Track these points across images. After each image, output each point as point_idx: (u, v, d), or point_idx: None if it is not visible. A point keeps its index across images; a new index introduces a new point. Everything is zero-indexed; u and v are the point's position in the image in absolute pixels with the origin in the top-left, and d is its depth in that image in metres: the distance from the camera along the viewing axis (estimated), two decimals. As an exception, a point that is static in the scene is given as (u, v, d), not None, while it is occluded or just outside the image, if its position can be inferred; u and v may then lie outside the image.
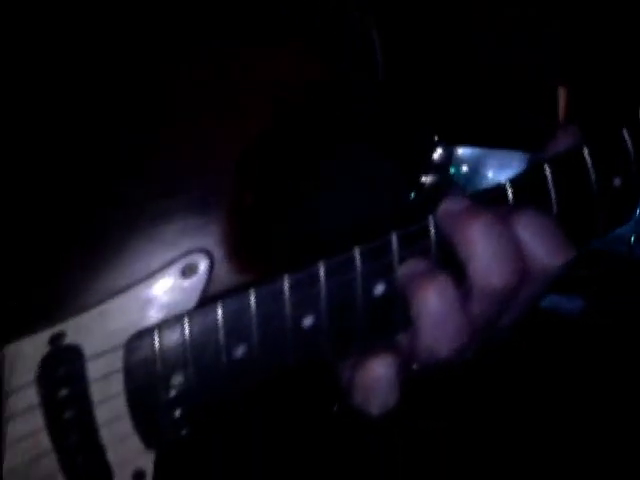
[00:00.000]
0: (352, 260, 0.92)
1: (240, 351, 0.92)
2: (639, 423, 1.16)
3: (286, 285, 0.92)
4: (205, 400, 0.93)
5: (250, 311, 0.91)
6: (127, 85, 0.94)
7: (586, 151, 0.90)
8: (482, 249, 0.86)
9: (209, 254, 0.92)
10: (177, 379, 0.91)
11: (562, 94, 0.96)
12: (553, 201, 0.91)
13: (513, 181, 0.92)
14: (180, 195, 0.93)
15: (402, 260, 0.92)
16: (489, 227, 0.87)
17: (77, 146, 0.94)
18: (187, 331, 0.91)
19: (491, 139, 0.98)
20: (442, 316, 0.87)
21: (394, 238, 0.91)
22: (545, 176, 0.91)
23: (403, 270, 0.90)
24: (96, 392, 0.92)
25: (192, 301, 0.92)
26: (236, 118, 0.94)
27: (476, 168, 1.00)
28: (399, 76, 0.95)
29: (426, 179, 1.01)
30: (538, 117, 1.00)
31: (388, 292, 0.92)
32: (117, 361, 0.91)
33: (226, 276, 0.93)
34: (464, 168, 1.00)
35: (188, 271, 0.92)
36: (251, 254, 0.94)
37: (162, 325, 0.91)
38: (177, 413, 0.93)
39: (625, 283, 1.02)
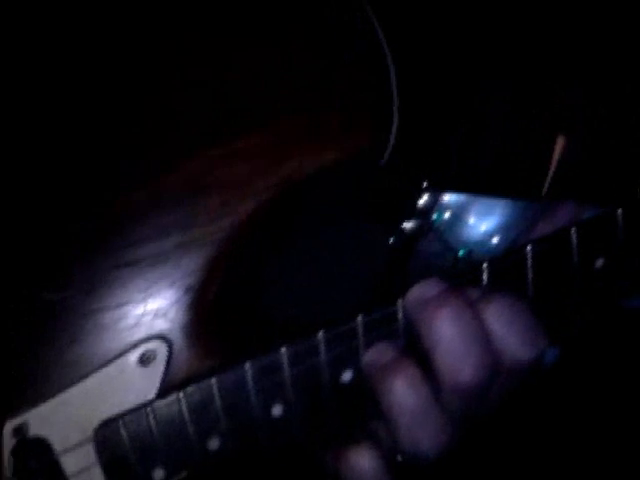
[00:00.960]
0: (316, 345, 0.88)
1: (214, 442, 0.89)
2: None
3: (249, 373, 0.88)
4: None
5: (215, 401, 0.88)
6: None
7: (574, 230, 0.84)
8: (448, 342, 0.81)
9: (168, 341, 0.89)
10: (158, 473, 0.89)
11: (559, 143, 0.90)
12: (529, 283, 0.84)
13: (491, 261, 0.86)
14: (139, 280, 0.89)
15: (368, 345, 0.86)
16: (456, 318, 0.82)
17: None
18: (152, 424, 0.88)
19: (480, 186, 0.93)
20: (413, 412, 0.83)
21: (360, 321, 0.86)
22: (525, 256, 0.84)
23: (368, 358, 0.85)
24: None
25: (153, 389, 0.89)
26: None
27: (459, 214, 0.95)
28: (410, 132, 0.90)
29: (407, 224, 0.94)
30: (530, 164, 0.95)
31: (356, 379, 0.88)
32: (90, 454, 0.88)
33: (187, 362, 0.89)
34: (446, 214, 0.95)
35: (146, 358, 0.89)
36: (213, 340, 0.90)
37: (126, 417, 0.88)
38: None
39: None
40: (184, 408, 0.88)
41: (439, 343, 0.81)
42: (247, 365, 0.88)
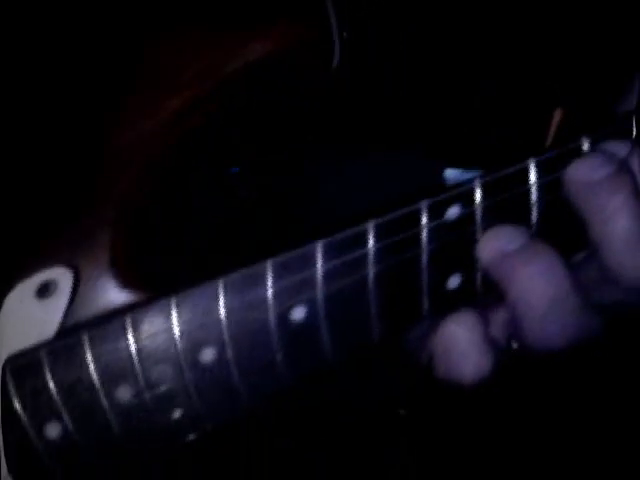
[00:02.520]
0: (262, 274, 0.68)
1: (124, 394, 0.69)
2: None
3: (174, 310, 0.67)
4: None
5: (127, 344, 0.69)
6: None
7: None
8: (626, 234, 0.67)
9: (75, 268, 0.71)
10: (51, 430, 0.70)
11: (557, 116, 0.81)
12: None
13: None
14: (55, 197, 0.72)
15: (328, 274, 0.68)
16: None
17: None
18: (47, 371, 0.68)
19: (477, 160, 0.80)
20: (550, 301, 0.69)
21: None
22: None
23: (492, 243, 0.69)
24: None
25: (52, 327, 0.70)
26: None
27: None
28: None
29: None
30: (523, 137, 0.84)
31: (309, 318, 0.68)
32: None
33: (99, 296, 0.71)
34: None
35: (45, 289, 0.71)
36: (132, 269, 0.72)
37: (14, 361, 0.69)
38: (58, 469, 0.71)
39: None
40: (87, 351, 0.68)
41: (613, 234, 0.67)
42: (172, 300, 0.68)
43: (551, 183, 0.68)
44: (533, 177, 0.68)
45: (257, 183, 0.79)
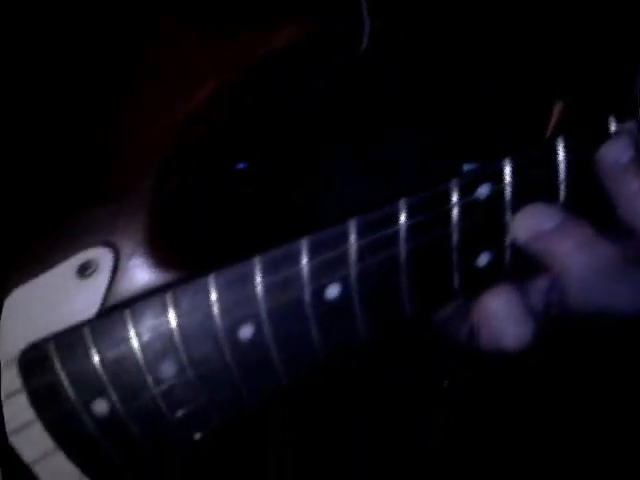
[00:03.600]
0: (297, 252, 0.70)
1: (169, 369, 0.71)
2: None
3: (213, 287, 0.70)
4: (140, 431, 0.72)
5: (169, 322, 0.71)
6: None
7: None
8: None
9: (114, 248, 0.72)
10: (99, 406, 0.72)
11: (557, 109, 0.81)
12: None
13: None
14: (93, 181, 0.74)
15: (362, 251, 0.69)
16: None
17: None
18: (91, 347, 0.70)
19: (471, 152, 0.81)
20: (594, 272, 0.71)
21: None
22: None
23: (530, 223, 0.71)
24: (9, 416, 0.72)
25: (95, 306, 0.72)
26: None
27: None
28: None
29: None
30: (523, 131, 0.85)
31: (344, 295, 0.70)
32: (15, 380, 0.72)
33: (138, 275, 0.72)
34: None
35: (87, 269, 0.72)
36: (169, 249, 0.73)
37: (58, 339, 0.71)
38: (108, 443, 0.73)
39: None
40: (130, 328, 0.70)
41: None
42: (211, 278, 0.70)
43: (579, 161, 0.69)
44: (562, 156, 0.69)
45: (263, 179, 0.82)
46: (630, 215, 0.69)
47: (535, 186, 0.70)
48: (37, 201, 0.73)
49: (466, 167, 0.74)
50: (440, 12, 0.84)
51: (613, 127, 0.70)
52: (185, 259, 0.73)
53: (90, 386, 0.71)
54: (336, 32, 0.76)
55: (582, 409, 0.92)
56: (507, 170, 0.69)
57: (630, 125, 0.70)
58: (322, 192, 0.84)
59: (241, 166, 0.80)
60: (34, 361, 0.71)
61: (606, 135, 0.70)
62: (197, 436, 0.74)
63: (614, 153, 0.69)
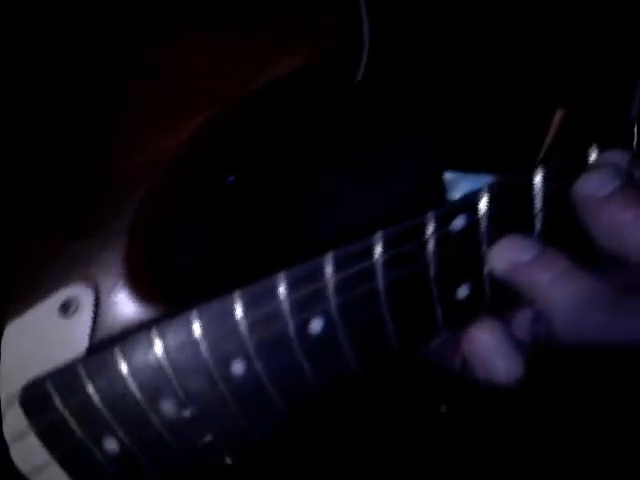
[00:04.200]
0: (274, 285, 0.70)
1: (168, 407, 0.71)
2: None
3: (196, 322, 0.70)
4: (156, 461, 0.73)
5: (159, 358, 0.71)
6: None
7: None
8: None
9: (94, 284, 0.72)
10: (110, 444, 0.72)
11: (558, 116, 0.79)
12: None
13: None
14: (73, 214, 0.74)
15: (340, 285, 0.69)
16: None
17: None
18: (87, 384, 0.72)
19: (473, 163, 0.80)
20: (576, 305, 0.68)
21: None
22: None
23: (505, 255, 0.69)
24: (17, 457, 0.73)
25: (82, 343, 0.72)
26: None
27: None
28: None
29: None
30: (524, 138, 0.82)
31: (329, 328, 0.69)
32: (21, 419, 0.73)
33: (123, 311, 0.72)
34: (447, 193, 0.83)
35: (68, 307, 0.72)
36: (152, 284, 0.73)
37: (53, 377, 0.72)
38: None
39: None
40: (122, 365, 0.71)
41: (628, 248, 0.66)
42: (194, 313, 0.70)
43: (556, 192, 0.67)
44: (538, 186, 0.67)
45: (255, 192, 0.81)
46: (616, 246, 0.67)
47: (512, 217, 0.68)
48: (18, 234, 0.74)
49: (447, 175, 0.74)
50: (441, 11, 0.83)
51: (594, 156, 0.68)
52: (169, 293, 0.73)
53: (96, 422, 0.71)
54: (336, 60, 0.76)
55: (575, 439, 0.90)
56: (483, 202, 0.67)
57: (614, 155, 0.68)
58: (322, 201, 0.84)
59: (230, 180, 0.80)
60: (36, 399, 0.72)
61: (585, 165, 0.67)
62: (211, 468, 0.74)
63: (591, 187, 0.67)
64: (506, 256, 0.68)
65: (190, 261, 0.77)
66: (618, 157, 0.67)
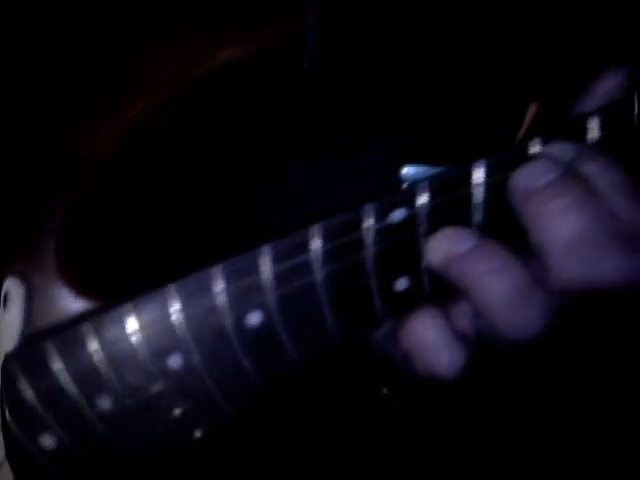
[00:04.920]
0: (210, 279, 0.68)
1: (105, 402, 0.70)
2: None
3: (132, 315, 0.69)
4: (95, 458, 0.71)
5: (91, 352, 0.69)
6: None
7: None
8: (575, 243, 0.66)
9: (25, 279, 0.71)
10: (47, 441, 0.70)
11: (532, 110, 0.77)
12: None
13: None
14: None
15: (278, 277, 0.67)
16: (581, 211, 0.66)
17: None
18: (22, 382, 0.69)
19: (441, 156, 0.76)
20: (511, 297, 0.67)
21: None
22: None
23: (442, 248, 0.68)
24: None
25: (12, 338, 0.71)
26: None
27: None
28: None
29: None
30: (497, 132, 0.80)
31: (266, 322, 0.68)
32: None
33: (55, 305, 0.71)
34: (403, 186, 0.78)
35: (6, 300, 0.71)
36: (81, 278, 0.71)
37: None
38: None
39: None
40: (54, 360, 0.69)
41: (553, 242, 0.66)
42: (129, 307, 0.69)
43: (496, 185, 0.67)
44: (479, 179, 0.67)
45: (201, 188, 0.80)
46: (541, 243, 0.66)
47: (451, 210, 0.67)
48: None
49: (406, 170, 0.73)
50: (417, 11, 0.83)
51: (537, 149, 0.67)
52: (102, 287, 0.71)
53: (32, 420, 0.69)
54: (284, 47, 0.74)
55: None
56: (421, 194, 0.67)
57: (557, 147, 0.67)
58: (279, 194, 0.82)
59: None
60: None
61: (525, 158, 0.67)
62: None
63: (527, 178, 0.66)
64: (442, 248, 0.67)
65: (146, 253, 0.75)
66: (561, 149, 0.67)
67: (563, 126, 0.68)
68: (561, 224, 0.65)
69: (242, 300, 0.68)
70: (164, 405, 0.70)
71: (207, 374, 0.70)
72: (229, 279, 0.68)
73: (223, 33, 0.73)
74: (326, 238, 0.67)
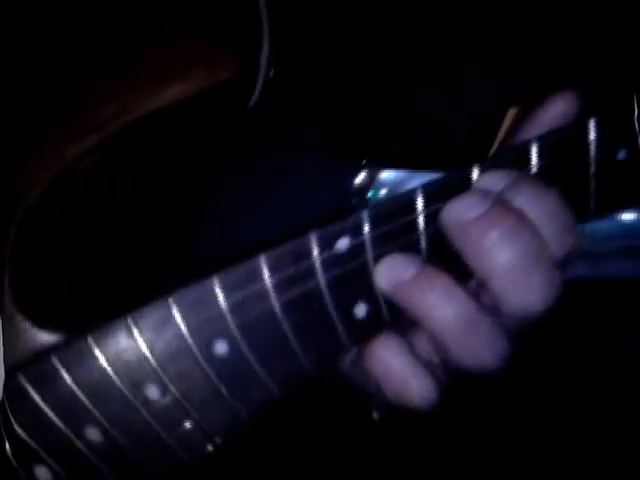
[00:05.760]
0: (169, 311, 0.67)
1: (93, 434, 0.69)
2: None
3: (96, 349, 0.68)
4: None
5: (67, 385, 0.68)
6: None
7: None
8: (510, 270, 0.65)
9: None
10: (40, 471, 0.71)
11: (511, 114, 0.77)
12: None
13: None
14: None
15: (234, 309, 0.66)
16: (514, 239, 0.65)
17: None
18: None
19: (421, 161, 0.78)
20: (461, 325, 0.66)
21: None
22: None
23: (387, 275, 0.67)
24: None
25: None
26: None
27: (396, 191, 0.79)
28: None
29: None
30: (474, 136, 0.80)
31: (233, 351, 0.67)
32: None
33: (17, 339, 0.70)
34: (382, 191, 0.80)
35: None
36: (42, 310, 0.71)
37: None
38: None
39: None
40: (30, 391, 0.70)
41: (498, 271, 0.65)
42: (89, 338, 0.68)
43: (434, 214, 0.66)
44: (420, 207, 0.65)
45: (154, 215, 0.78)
46: (479, 273, 0.65)
47: (398, 237, 0.66)
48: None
49: (385, 175, 0.72)
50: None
51: (475, 176, 0.66)
52: (66, 318, 0.70)
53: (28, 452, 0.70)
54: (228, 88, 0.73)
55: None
56: (365, 223, 0.65)
57: (489, 177, 0.66)
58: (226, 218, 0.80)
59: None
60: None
61: (466, 185, 0.66)
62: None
63: (457, 212, 0.65)
64: (388, 274, 0.66)
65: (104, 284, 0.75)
66: (493, 179, 0.66)
67: (506, 154, 0.68)
68: (495, 255, 0.65)
69: (205, 329, 0.67)
70: (150, 435, 0.70)
71: (187, 403, 0.69)
72: (188, 310, 0.67)
73: (161, 75, 0.71)
74: (274, 269, 0.65)
